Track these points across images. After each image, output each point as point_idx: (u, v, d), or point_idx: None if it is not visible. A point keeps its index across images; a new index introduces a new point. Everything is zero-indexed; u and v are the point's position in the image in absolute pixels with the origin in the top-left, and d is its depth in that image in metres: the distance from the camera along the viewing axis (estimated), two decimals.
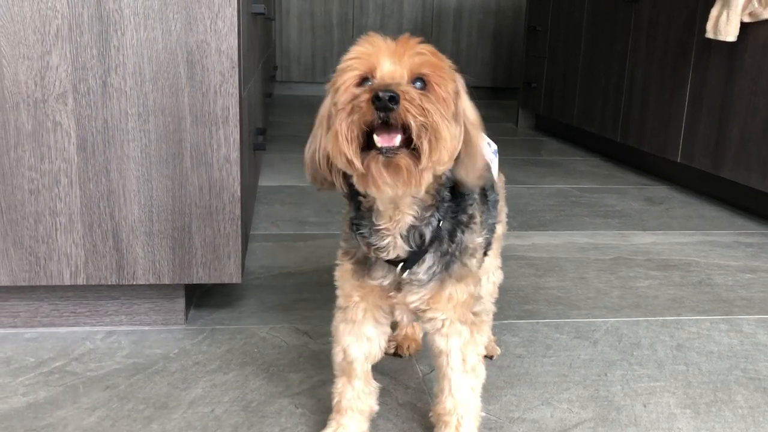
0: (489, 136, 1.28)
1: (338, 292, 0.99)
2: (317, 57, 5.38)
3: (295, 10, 5.27)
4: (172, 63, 1.23)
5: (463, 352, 0.97)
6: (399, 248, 0.89)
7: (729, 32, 2.31)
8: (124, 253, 1.30)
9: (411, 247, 0.89)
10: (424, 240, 0.89)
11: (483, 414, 1.03)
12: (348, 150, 0.78)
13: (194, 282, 1.34)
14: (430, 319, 0.95)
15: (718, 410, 1.18)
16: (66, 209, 1.27)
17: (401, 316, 0.98)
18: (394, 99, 0.75)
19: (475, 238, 0.94)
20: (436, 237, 0.90)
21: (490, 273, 1.30)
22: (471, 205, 0.93)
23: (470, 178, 0.87)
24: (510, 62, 5.56)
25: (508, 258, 1.87)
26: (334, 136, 0.79)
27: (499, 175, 1.27)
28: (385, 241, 0.89)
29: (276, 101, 4.91)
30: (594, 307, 1.61)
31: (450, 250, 0.91)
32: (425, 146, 0.78)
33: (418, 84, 0.80)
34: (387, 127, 0.77)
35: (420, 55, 0.81)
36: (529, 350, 1.38)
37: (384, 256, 0.90)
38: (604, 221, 2.32)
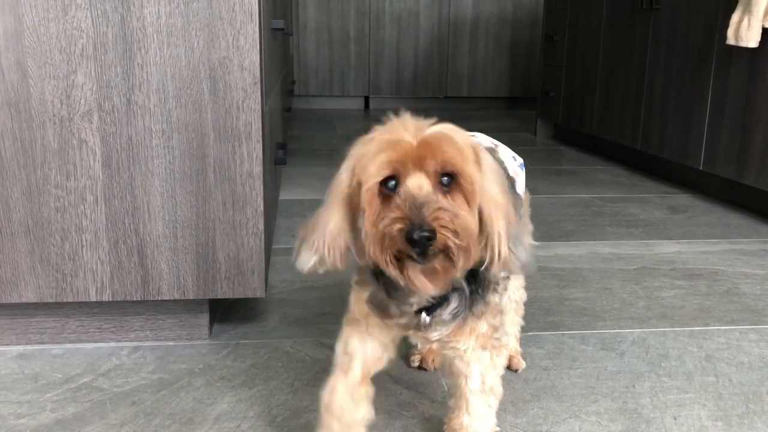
0: (509, 146, 1.28)
1: (352, 308, 0.96)
2: (335, 71, 5.40)
3: (312, 24, 5.31)
4: (195, 80, 1.24)
5: (483, 375, 0.95)
6: (425, 300, 0.87)
7: (750, 38, 2.29)
8: (149, 269, 1.31)
9: (435, 299, 0.87)
10: (449, 290, 0.87)
11: (497, 429, 1.01)
12: (381, 261, 0.77)
13: (218, 297, 1.35)
14: (452, 348, 0.94)
15: (750, 422, 1.16)
16: (92, 226, 1.28)
17: (417, 342, 0.96)
18: (429, 238, 0.73)
19: (497, 272, 0.90)
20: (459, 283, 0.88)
21: (511, 292, 1.29)
22: None
23: (495, 262, 0.82)
24: (527, 72, 5.55)
25: None
26: (370, 250, 0.77)
27: (525, 191, 1.27)
28: (411, 299, 0.87)
29: (294, 115, 4.94)
30: (620, 318, 1.59)
31: (473, 288, 0.89)
32: (461, 260, 0.77)
33: (445, 179, 0.78)
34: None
35: (444, 154, 0.78)
36: (555, 362, 1.36)
37: (407, 309, 0.88)
38: (627, 231, 2.30)
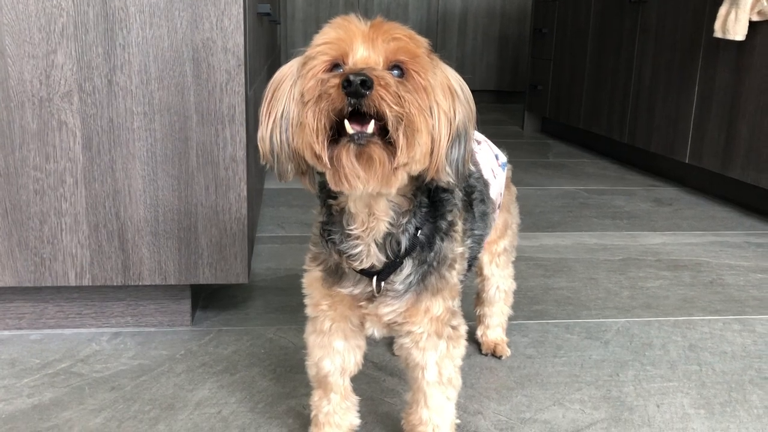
0: (495, 139, 1.27)
1: (306, 300, 0.93)
2: None
3: (300, 14, 5.28)
4: (177, 61, 1.22)
5: (439, 366, 0.92)
6: (373, 257, 0.83)
7: (737, 31, 2.29)
8: (130, 254, 1.29)
9: (386, 257, 0.83)
10: (401, 248, 0.83)
11: (458, 422, 0.99)
12: (315, 143, 0.71)
13: (200, 282, 1.33)
14: (407, 333, 0.90)
15: (732, 410, 1.16)
16: (71, 209, 1.26)
17: (372, 329, 0.92)
18: (366, 83, 0.68)
19: (455, 248, 0.88)
20: (414, 245, 0.84)
21: (499, 282, 1.28)
22: (451, 211, 0.87)
23: (432, 170, 0.77)
24: (516, 66, 5.55)
25: (517, 259, 1.85)
26: (300, 127, 0.72)
27: (511, 186, 1.25)
28: (358, 249, 0.82)
29: None
30: (604, 307, 1.59)
31: (428, 259, 0.85)
32: (401, 140, 0.71)
33: (395, 72, 0.73)
34: (359, 116, 0.70)
35: (396, 40, 0.74)
36: (539, 351, 1.36)
37: (357, 265, 0.84)
38: (613, 222, 2.30)
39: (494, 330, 1.33)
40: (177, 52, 1.22)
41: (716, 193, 2.71)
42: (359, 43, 0.73)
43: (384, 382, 1.22)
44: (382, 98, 0.69)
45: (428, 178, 0.78)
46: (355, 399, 1.01)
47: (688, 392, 1.22)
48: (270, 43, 2.73)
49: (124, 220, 1.28)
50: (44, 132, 1.22)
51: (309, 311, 0.94)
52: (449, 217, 0.87)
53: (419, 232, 0.83)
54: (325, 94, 0.70)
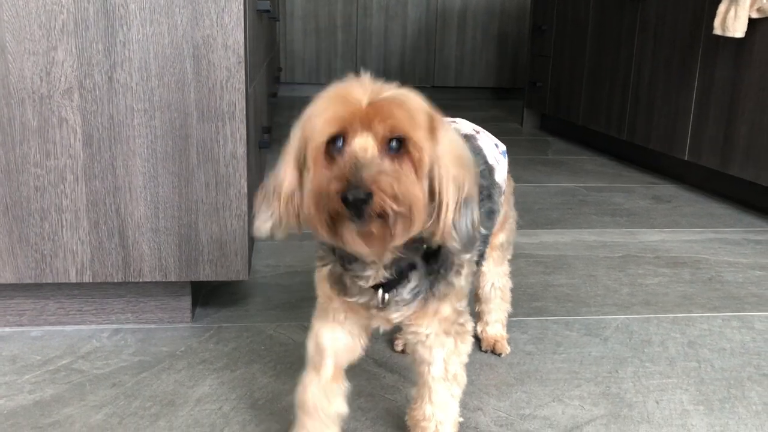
0: (494, 136, 1.27)
1: (318, 291, 0.95)
2: (321, 59, 5.37)
3: (299, 11, 5.27)
4: (178, 58, 1.22)
5: (446, 362, 0.93)
6: (380, 277, 0.84)
7: (737, 28, 2.30)
8: (130, 250, 1.30)
9: (391, 274, 0.85)
10: (408, 265, 0.85)
11: (461, 419, 1.00)
12: (320, 227, 0.75)
13: (201, 279, 1.33)
14: (414, 332, 0.91)
15: (731, 407, 1.17)
16: (72, 206, 1.26)
17: (380, 327, 0.93)
18: (365, 201, 0.71)
19: (454, 249, 0.88)
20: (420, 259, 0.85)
21: (495, 279, 1.28)
22: None
23: (438, 235, 0.79)
24: (515, 63, 5.55)
25: (515, 256, 1.85)
26: (307, 210, 0.76)
27: (509, 179, 1.25)
28: (366, 273, 0.85)
29: (280, 102, 4.91)
30: (603, 304, 1.59)
31: (435, 268, 0.86)
32: (399, 229, 0.74)
33: (393, 144, 0.75)
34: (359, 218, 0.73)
35: (393, 119, 0.75)
36: (538, 347, 1.36)
37: (362, 284, 0.85)
38: (612, 219, 2.31)
39: (493, 326, 1.33)
40: (177, 49, 1.22)
41: (715, 190, 2.71)
42: (357, 125, 0.75)
43: (384, 379, 1.22)
44: (383, 202, 0.72)
45: (434, 244, 0.81)
46: (345, 384, 0.99)
47: (687, 389, 1.22)
48: (269, 40, 2.73)
49: (124, 216, 1.28)
50: (45, 129, 1.22)
51: (320, 301, 0.95)
52: None
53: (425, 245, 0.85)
54: (325, 194, 0.73)
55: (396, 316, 0.89)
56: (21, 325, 1.38)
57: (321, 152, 0.76)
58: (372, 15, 5.36)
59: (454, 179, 0.77)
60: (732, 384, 1.24)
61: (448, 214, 0.77)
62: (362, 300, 0.88)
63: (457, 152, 0.79)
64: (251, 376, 1.22)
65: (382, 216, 0.73)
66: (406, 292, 0.86)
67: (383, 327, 0.93)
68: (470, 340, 0.95)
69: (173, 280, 1.33)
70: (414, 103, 0.77)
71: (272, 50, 3.09)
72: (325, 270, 0.90)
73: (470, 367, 1.26)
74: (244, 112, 1.26)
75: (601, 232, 2.16)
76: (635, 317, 1.52)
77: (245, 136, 1.28)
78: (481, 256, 1.06)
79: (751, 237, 2.14)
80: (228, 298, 1.55)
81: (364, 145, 0.75)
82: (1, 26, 1.17)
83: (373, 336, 1.00)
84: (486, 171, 1.05)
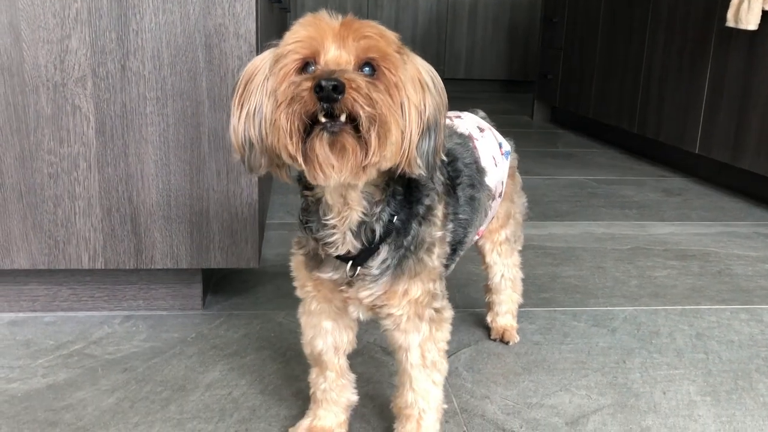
0: (504, 128, 1.27)
1: (294, 282, 0.96)
2: None
3: (310, 2, 5.27)
4: (190, 47, 1.23)
5: (422, 348, 0.93)
6: (348, 244, 0.84)
7: (750, 21, 2.28)
8: (142, 238, 1.31)
9: (362, 244, 0.85)
10: (375, 235, 0.84)
11: (445, 406, 1.00)
12: (290, 143, 0.73)
13: (212, 266, 1.35)
14: (387, 315, 0.91)
15: (738, 398, 1.17)
16: (85, 193, 1.27)
17: (356, 312, 0.93)
18: (338, 88, 0.69)
19: (433, 232, 0.89)
20: (390, 231, 0.85)
21: (505, 270, 1.29)
22: (428, 195, 0.88)
23: (403, 163, 0.78)
24: (525, 55, 5.53)
25: (525, 247, 1.85)
26: (274, 127, 0.73)
27: (513, 176, 1.25)
28: (334, 237, 0.84)
29: None
30: (612, 295, 1.59)
31: (405, 243, 0.86)
32: (373, 139, 0.72)
33: (367, 69, 0.74)
34: (332, 118, 0.72)
35: (366, 38, 0.74)
36: (546, 337, 1.37)
37: (332, 252, 0.85)
38: (622, 212, 2.31)
39: (504, 317, 1.34)
40: (189, 38, 1.23)
41: (726, 184, 2.70)
42: (330, 42, 0.74)
43: (391, 366, 1.23)
44: (355, 100, 0.70)
45: (399, 171, 0.80)
46: (351, 376, 1.02)
47: (695, 380, 1.23)
48: (280, 31, 2.73)
49: (136, 204, 1.29)
50: (58, 116, 1.23)
51: (298, 292, 0.97)
52: (426, 202, 0.88)
53: (395, 218, 0.85)
54: (297, 97, 0.72)
55: (366, 294, 0.88)
56: (34, 311, 1.39)
57: (291, 70, 0.74)
58: (383, 5, 5.35)
59: (415, 106, 0.76)
60: (739, 375, 1.24)
61: (411, 140, 0.76)
62: (335, 276, 0.88)
63: (421, 77, 0.78)
64: (261, 362, 1.23)
65: (355, 120, 0.72)
66: (375, 266, 0.86)
67: (361, 313, 0.93)
68: (448, 328, 0.95)
69: (184, 267, 1.34)
70: (384, 28, 0.76)
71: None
72: (300, 255, 0.91)
73: (478, 356, 1.28)
74: None
75: (610, 224, 2.16)
76: (643, 309, 1.52)
77: None
78: (460, 242, 1.03)
79: (761, 231, 2.14)
80: (239, 286, 1.57)
81: (337, 58, 0.74)
82: (17, 14, 1.18)
83: (376, 325, 1.01)
84: (473, 166, 1.05)
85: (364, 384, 1.15)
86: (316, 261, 0.89)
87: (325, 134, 0.72)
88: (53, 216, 1.28)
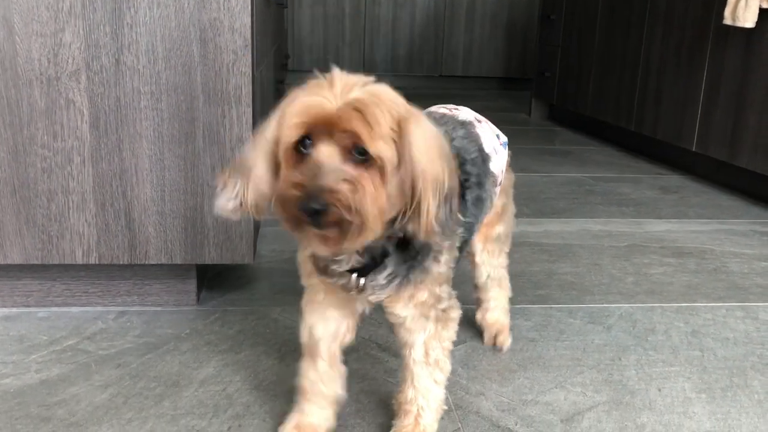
0: (501, 126, 1.27)
1: (300, 272, 0.96)
2: (329, 47, 5.36)
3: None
4: (185, 41, 1.23)
5: (427, 346, 0.94)
6: (353, 260, 0.86)
7: (747, 18, 2.28)
8: (137, 233, 1.30)
9: (368, 259, 0.86)
10: (380, 251, 0.85)
11: (445, 407, 1.01)
12: (285, 224, 0.78)
13: (206, 262, 1.34)
14: (393, 314, 0.93)
15: (733, 395, 1.17)
16: (78, 188, 1.27)
17: (362, 308, 0.95)
18: (321, 212, 0.74)
19: (440, 240, 0.88)
20: (395, 247, 0.86)
21: (491, 271, 1.27)
22: None
23: (422, 233, 0.80)
24: (523, 52, 5.52)
25: (520, 244, 1.86)
26: (274, 208, 0.79)
27: (509, 171, 1.24)
28: (339, 257, 0.86)
29: (288, 90, 4.91)
30: (608, 293, 1.59)
31: (411, 254, 0.87)
32: (353, 236, 0.76)
33: (357, 153, 0.76)
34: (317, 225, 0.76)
35: (353, 129, 0.75)
36: (542, 334, 1.37)
37: (337, 268, 0.87)
38: (619, 209, 2.30)
39: (493, 312, 1.31)
40: (184, 32, 1.22)
41: (723, 182, 2.70)
42: (322, 132, 0.76)
43: (387, 363, 1.23)
44: (335, 213, 0.74)
45: (419, 240, 0.82)
46: (342, 369, 1.01)
47: (690, 377, 1.22)
48: (277, 27, 2.72)
49: (130, 199, 1.28)
50: (52, 110, 1.23)
51: (303, 282, 0.97)
52: None
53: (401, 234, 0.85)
54: (286, 200, 0.76)
55: (373, 298, 0.90)
56: (28, 306, 1.39)
57: (290, 151, 0.78)
58: (380, 3, 5.34)
59: (433, 180, 0.77)
60: (735, 373, 1.24)
61: (429, 215, 0.78)
62: (341, 282, 0.89)
63: (433, 148, 0.79)
64: (255, 358, 1.23)
65: (338, 224, 0.75)
66: (381, 278, 0.87)
67: (367, 308, 0.95)
68: (454, 327, 0.96)
69: (179, 262, 1.33)
70: (378, 107, 0.76)
71: (280, 37, 3.09)
72: (307, 250, 0.91)
73: (473, 352, 1.28)
74: (251, 96, 1.27)
75: (607, 221, 2.16)
76: (639, 306, 1.52)
77: (251, 120, 1.28)
78: (465, 243, 1.04)
79: (757, 228, 2.14)
80: (233, 282, 1.56)
81: (327, 153, 0.77)
82: (10, 7, 1.18)
83: (376, 322, 1.01)
84: (479, 159, 1.04)
85: (359, 380, 1.15)
86: (321, 268, 0.90)
87: (312, 228, 0.77)
88: (47, 211, 1.27)
